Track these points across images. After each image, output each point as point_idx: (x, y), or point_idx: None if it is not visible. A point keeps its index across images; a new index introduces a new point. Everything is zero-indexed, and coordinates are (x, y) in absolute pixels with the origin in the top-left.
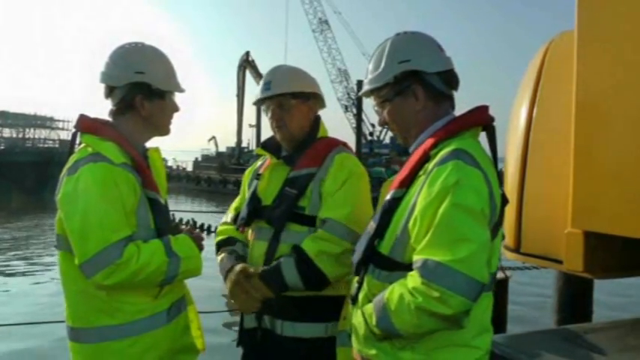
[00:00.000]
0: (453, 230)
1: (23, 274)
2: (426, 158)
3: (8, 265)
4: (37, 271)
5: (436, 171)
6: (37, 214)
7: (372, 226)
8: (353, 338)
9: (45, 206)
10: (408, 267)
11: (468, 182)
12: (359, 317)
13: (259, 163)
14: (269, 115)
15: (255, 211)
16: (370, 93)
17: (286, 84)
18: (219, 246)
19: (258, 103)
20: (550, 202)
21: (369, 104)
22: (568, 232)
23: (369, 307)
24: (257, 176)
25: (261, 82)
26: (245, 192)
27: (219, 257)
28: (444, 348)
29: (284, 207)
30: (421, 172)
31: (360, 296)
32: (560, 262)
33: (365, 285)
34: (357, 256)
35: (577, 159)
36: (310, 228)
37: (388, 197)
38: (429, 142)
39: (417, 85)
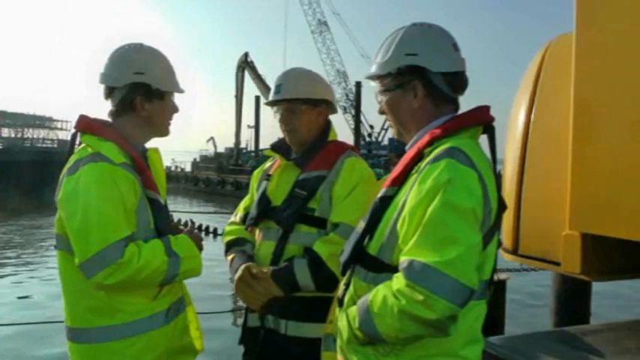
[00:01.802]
0: (442, 230)
1: (21, 274)
2: (419, 156)
3: (6, 266)
4: (35, 271)
5: (428, 169)
6: (35, 214)
7: (361, 225)
8: (337, 342)
9: (44, 206)
10: (395, 269)
11: (461, 181)
12: (343, 320)
13: (268, 164)
14: (279, 118)
15: (265, 211)
16: (375, 78)
17: (296, 89)
18: (229, 246)
19: (269, 105)
20: (548, 204)
21: (367, 105)
22: (566, 234)
23: (353, 310)
24: (267, 177)
25: (274, 84)
26: (254, 192)
27: (230, 257)
28: (430, 357)
29: (294, 208)
30: (414, 171)
31: (346, 298)
32: (557, 264)
33: (351, 286)
34: (344, 256)
35: (575, 161)
36: (319, 230)
37: (379, 195)
38: (424, 139)
39: (418, 81)
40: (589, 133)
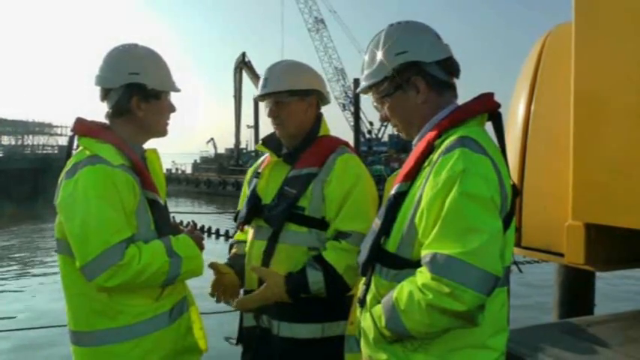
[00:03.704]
0: (462, 220)
1: (24, 279)
2: (430, 149)
3: (6, 272)
4: (35, 276)
5: (441, 160)
6: (36, 220)
7: (377, 223)
8: (362, 343)
9: (45, 212)
10: (416, 264)
11: (476, 170)
12: (368, 320)
13: (260, 161)
14: (267, 113)
15: (255, 209)
16: (368, 89)
17: (282, 81)
18: (230, 248)
19: (258, 100)
20: (550, 195)
21: (366, 102)
22: (569, 225)
23: (378, 309)
24: (257, 174)
25: (261, 79)
26: (246, 190)
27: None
28: (459, 350)
29: (283, 207)
30: (426, 164)
31: (368, 298)
32: (561, 255)
33: (372, 286)
34: (362, 256)
35: (576, 151)
36: (310, 229)
37: (393, 192)
38: (433, 132)
39: (417, 76)
40: (590, 122)
